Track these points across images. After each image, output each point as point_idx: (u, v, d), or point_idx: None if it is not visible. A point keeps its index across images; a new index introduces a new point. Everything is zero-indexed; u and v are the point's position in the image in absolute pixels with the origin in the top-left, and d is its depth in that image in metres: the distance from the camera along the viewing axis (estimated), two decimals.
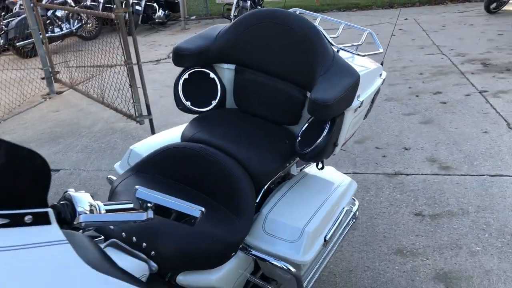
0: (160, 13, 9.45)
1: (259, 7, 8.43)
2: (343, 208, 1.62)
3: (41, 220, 0.65)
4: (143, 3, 9.00)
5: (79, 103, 4.91)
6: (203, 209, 0.82)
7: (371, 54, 1.80)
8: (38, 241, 0.63)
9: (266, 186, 1.53)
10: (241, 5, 7.91)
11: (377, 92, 1.79)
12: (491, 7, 8.01)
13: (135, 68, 3.60)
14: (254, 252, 1.37)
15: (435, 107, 3.96)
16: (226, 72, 1.71)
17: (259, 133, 1.58)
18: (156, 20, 9.42)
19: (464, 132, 3.41)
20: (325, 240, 1.46)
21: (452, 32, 6.91)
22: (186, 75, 1.67)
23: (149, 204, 0.80)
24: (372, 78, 1.73)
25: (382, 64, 1.86)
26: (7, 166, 0.64)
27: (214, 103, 1.70)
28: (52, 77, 5.36)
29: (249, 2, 7.95)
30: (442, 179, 2.78)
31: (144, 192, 0.79)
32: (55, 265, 0.63)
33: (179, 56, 1.62)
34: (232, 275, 1.38)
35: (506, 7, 8.17)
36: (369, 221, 2.42)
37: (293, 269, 1.34)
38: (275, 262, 1.34)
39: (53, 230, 0.66)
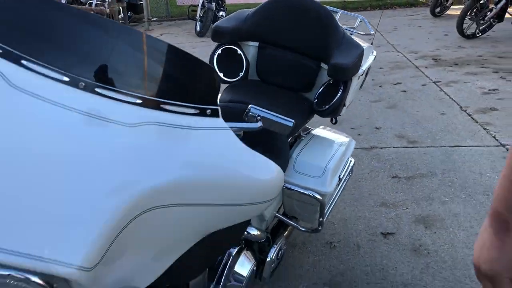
0: (122, 15, 9.62)
1: (223, 9, 8.78)
2: (348, 158, 2.01)
3: (215, 113, 0.99)
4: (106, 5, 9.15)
5: None
6: (293, 121, 1.18)
7: (366, 34, 2.21)
8: (214, 126, 0.97)
9: (289, 139, 1.90)
10: (206, 6, 8.23)
11: (370, 66, 2.20)
12: (436, 11, 8.77)
13: None
14: (290, 186, 1.73)
15: (397, 95, 4.47)
16: (251, 49, 2.06)
17: (282, 96, 1.94)
18: (120, 22, 9.58)
19: (425, 114, 3.92)
20: (339, 178, 1.84)
21: (404, 33, 7.56)
22: (219, 51, 2.01)
23: (258, 117, 1.14)
24: (367, 54, 2.14)
25: (372, 44, 2.28)
26: (196, 74, 0.98)
27: (240, 74, 2.05)
28: None
29: (213, 4, 8.29)
30: (411, 150, 3.25)
31: (256, 108, 1.13)
32: (225, 141, 0.97)
33: (218, 33, 1.96)
34: (272, 208, 1.74)
35: (448, 12, 8.96)
36: (355, 183, 2.83)
37: (319, 197, 1.71)
38: (307, 192, 1.71)
39: (220, 121, 0.99)
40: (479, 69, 5.22)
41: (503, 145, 3.22)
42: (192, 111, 0.95)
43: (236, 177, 0.98)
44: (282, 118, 1.15)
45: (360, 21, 2.29)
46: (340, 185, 1.95)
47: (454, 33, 7.04)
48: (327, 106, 1.84)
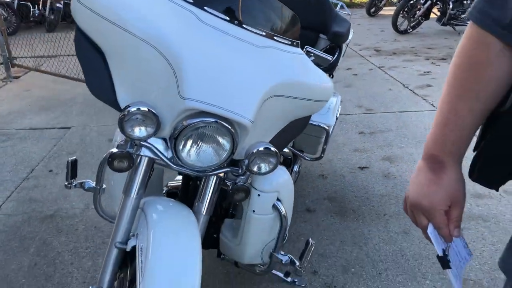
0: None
1: None
2: (338, 105, 2.74)
3: (298, 45, 1.65)
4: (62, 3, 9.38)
5: (45, 84, 5.43)
6: (332, 57, 1.85)
7: (346, 14, 2.95)
8: (299, 52, 1.63)
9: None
10: None
11: (350, 39, 2.94)
12: (371, 11, 9.83)
13: None
14: None
15: (350, 78, 5.29)
16: None
17: None
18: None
19: (375, 91, 4.76)
20: (336, 117, 2.56)
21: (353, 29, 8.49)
22: None
23: (311, 54, 1.81)
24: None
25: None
26: (292, 25, 1.64)
27: None
28: (10, 63, 5.77)
29: None
30: (369, 115, 4.05)
31: (311, 48, 1.80)
32: (305, 61, 1.64)
33: None
34: None
35: (381, 12, 10.06)
36: (332, 138, 3.58)
37: (327, 127, 2.41)
38: (317, 124, 2.40)
39: (301, 50, 1.66)
40: (414, 57, 6.20)
41: None
42: (289, 42, 1.61)
43: (312, 82, 1.64)
44: (324, 54, 1.84)
45: (341, 6, 3.03)
46: (335, 122, 2.67)
47: (389, 29, 8.05)
48: (327, 65, 2.55)
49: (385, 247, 2.25)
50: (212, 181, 1.54)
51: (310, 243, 1.63)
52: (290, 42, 1.62)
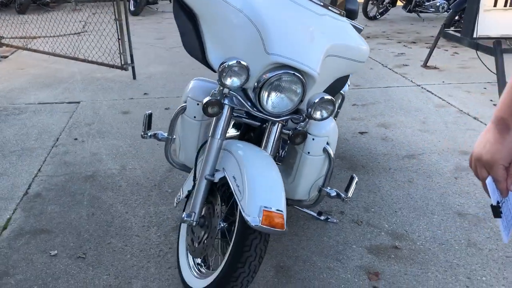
0: None
1: None
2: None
3: (344, 15, 1.99)
4: None
5: (38, 63, 5.53)
6: (363, 27, 2.21)
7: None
8: (345, 20, 1.98)
9: None
10: None
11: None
12: None
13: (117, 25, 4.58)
14: None
15: None
16: None
17: None
18: (45, 1, 9.72)
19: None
20: (348, 85, 2.93)
21: None
22: None
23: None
24: None
25: None
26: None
27: None
28: None
29: None
30: (358, 90, 4.47)
31: (348, 20, 2.15)
32: (350, 28, 1.99)
33: None
34: None
35: None
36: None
37: (343, 92, 2.77)
38: None
39: (346, 19, 2.01)
40: (387, 40, 6.69)
41: (419, 85, 4.58)
42: (338, 12, 1.96)
43: (355, 45, 1.99)
44: (357, 24, 2.20)
45: None
46: (347, 89, 3.04)
47: (359, 15, 8.52)
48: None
49: (395, 192, 2.66)
50: (276, 128, 1.87)
51: (355, 178, 1.99)
52: (339, 12, 1.97)
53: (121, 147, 3.24)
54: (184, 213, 1.80)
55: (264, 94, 1.71)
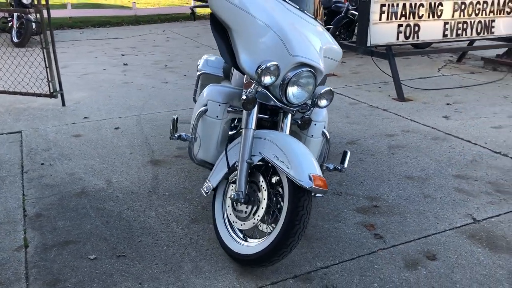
0: None
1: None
2: None
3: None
4: None
5: None
6: None
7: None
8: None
9: None
10: (24, 17, 8.51)
11: None
12: None
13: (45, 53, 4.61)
14: None
15: None
16: None
17: None
18: None
19: None
20: None
21: (208, 38, 9.45)
22: None
23: None
24: None
25: None
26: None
27: None
28: None
29: (32, 16, 8.62)
30: None
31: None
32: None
33: None
34: None
35: None
36: None
37: None
38: None
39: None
40: None
41: None
42: (322, 23, 2.49)
43: (336, 48, 2.52)
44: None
45: None
46: None
47: None
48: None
49: (354, 169, 3.26)
50: (289, 118, 2.33)
51: (348, 152, 2.51)
52: (322, 23, 2.51)
53: (94, 165, 3.37)
54: (234, 193, 2.15)
55: (289, 89, 2.16)
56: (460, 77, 5.97)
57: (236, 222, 2.26)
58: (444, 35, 5.65)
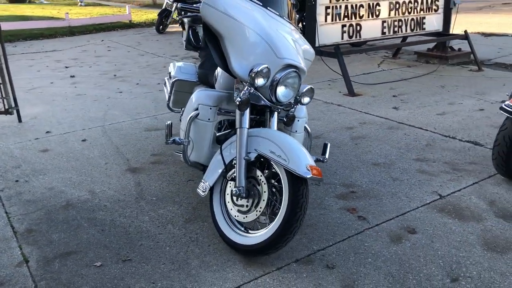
0: None
1: None
2: None
3: None
4: None
5: None
6: None
7: None
8: None
9: None
10: None
11: None
12: (160, 28, 10.99)
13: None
14: None
15: None
16: None
17: None
18: None
19: None
20: None
21: (150, 45, 9.45)
22: None
23: None
24: None
25: None
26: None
27: None
28: None
29: None
30: None
31: None
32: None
33: None
34: None
35: (168, 29, 11.29)
36: None
37: None
38: None
39: None
40: None
41: None
42: (296, 27, 2.70)
43: (308, 47, 2.73)
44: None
45: None
46: None
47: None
48: None
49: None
50: (275, 116, 2.52)
51: (328, 144, 2.74)
52: (296, 26, 2.73)
53: (72, 178, 3.38)
54: (235, 188, 2.31)
55: (278, 89, 2.35)
56: (399, 70, 6.45)
57: (237, 216, 2.41)
58: (383, 33, 6.10)
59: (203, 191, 2.50)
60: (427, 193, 2.97)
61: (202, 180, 2.52)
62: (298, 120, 2.67)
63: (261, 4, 2.46)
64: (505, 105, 2.84)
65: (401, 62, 7.02)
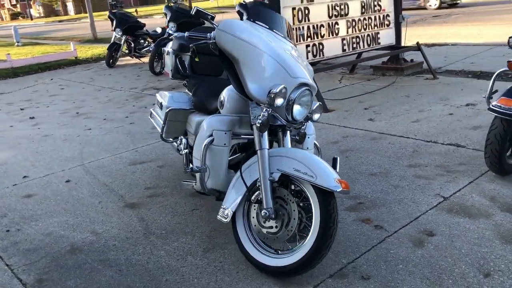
0: None
1: None
2: None
3: None
4: None
5: None
6: None
7: None
8: None
9: None
10: None
11: None
12: (110, 62, 10.80)
13: None
14: None
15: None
16: None
17: None
18: None
19: None
20: None
21: (105, 80, 9.24)
22: None
23: None
24: None
25: None
26: None
27: None
28: None
29: None
30: None
31: None
32: None
33: None
34: None
35: (118, 63, 11.11)
36: None
37: None
38: None
39: None
40: None
41: None
42: (291, 42, 2.76)
43: (308, 65, 2.80)
44: None
45: None
46: None
47: (145, 72, 9.29)
48: None
49: None
50: (288, 134, 2.56)
51: (338, 158, 2.79)
52: (295, 45, 2.79)
53: (68, 221, 3.22)
54: (264, 210, 2.30)
55: (294, 108, 2.39)
56: (360, 84, 6.69)
57: (267, 239, 2.39)
58: (343, 50, 6.33)
59: (225, 218, 2.46)
60: (430, 196, 3.08)
61: (222, 207, 2.49)
62: (309, 137, 2.71)
63: (267, 27, 2.51)
64: (493, 105, 3.02)
65: (359, 76, 7.29)
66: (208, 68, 3.61)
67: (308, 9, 5.73)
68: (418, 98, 5.57)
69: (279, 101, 2.30)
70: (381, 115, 5.04)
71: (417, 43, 6.91)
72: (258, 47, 2.37)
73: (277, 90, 2.26)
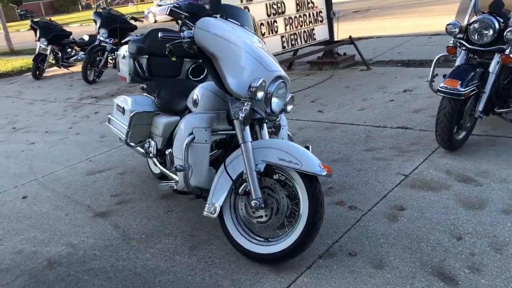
0: None
1: None
2: None
3: None
4: None
5: None
6: None
7: None
8: None
9: None
10: None
11: None
12: (37, 74, 10.28)
13: None
14: None
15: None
16: None
17: None
18: None
19: None
20: None
21: (34, 92, 8.79)
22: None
23: None
24: None
25: None
26: None
27: None
28: None
29: None
30: None
31: None
32: None
33: None
34: None
35: (45, 74, 10.60)
36: None
37: None
38: None
39: None
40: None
41: None
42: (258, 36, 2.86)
43: (274, 59, 2.91)
44: None
45: None
46: None
47: (77, 82, 8.97)
48: None
49: None
50: (265, 126, 2.66)
51: (309, 147, 2.92)
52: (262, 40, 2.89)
53: (37, 237, 3.10)
54: (254, 201, 2.37)
55: (273, 100, 2.48)
56: (301, 79, 6.93)
57: (257, 228, 2.47)
58: (283, 47, 6.53)
59: (213, 213, 2.50)
60: (392, 175, 3.31)
61: (208, 203, 2.53)
62: (283, 128, 2.82)
63: (239, 24, 2.58)
64: (440, 87, 3.31)
65: (298, 72, 7.54)
66: (165, 70, 3.62)
67: (248, 8, 5.84)
68: (358, 88, 5.88)
69: (259, 95, 2.38)
70: (328, 106, 5.27)
71: (350, 36, 7.28)
72: (234, 43, 2.44)
73: (258, 84, 2.34)
